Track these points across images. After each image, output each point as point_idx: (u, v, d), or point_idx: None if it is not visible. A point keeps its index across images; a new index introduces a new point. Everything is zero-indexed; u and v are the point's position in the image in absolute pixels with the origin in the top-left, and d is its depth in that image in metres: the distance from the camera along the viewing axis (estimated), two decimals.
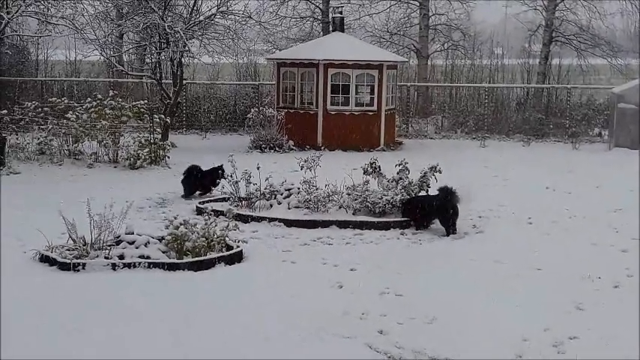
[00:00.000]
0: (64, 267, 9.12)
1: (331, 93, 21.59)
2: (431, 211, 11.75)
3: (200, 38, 21.40)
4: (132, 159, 17.59)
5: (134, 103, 19.20)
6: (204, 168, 14.23)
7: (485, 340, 7.14)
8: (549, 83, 29.30)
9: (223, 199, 13.04)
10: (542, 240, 11.35)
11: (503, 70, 31.59)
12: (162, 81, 22.00)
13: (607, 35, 31.22)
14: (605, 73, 32.13)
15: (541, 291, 8.75)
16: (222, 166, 13.80)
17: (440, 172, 12.55)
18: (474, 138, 24.83)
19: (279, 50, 27.89)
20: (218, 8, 20.99)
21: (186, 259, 9.44)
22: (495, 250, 10.56)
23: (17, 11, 17.74)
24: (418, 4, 30.61)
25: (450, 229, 11.52)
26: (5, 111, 19.14)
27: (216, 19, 21.31)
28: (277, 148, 20.85)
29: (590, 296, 8.52)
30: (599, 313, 7.96)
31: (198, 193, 14.06)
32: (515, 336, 7.23)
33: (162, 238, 9.80)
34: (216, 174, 14.00)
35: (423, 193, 12.47)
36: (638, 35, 31.25)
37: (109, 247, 9.47)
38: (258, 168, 12.81)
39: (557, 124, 25.19)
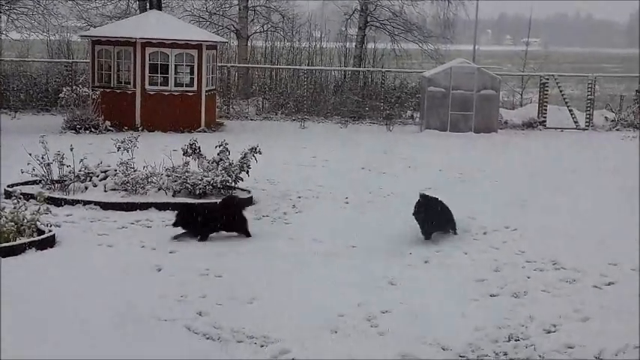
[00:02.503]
0: None
1: (150, 73, 21.15)
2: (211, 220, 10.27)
3: (7, 13, 20.23)
4: None
5: None
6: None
7: (303, 318, 7.28)
8: (365, 67, 30.21)
9: (34, 182, 12.44)
10: (358, 219, 11.72)
11: (322, 53, 32.18)
12: None
13: (418, 21, 32.60)
14: (417, 58, 33.55)
15: (356, 268, 9.04)
16: None
17: (260, 153, 12.65)
18: (294, 119, 25.21)
19: (94, 27, 26.88)
20: None
21: None
22: (313, 230, 10.79)
23: None
24: None
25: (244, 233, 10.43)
26: None
27: None
28: (93, 129, 20.16)
29: (403, 272, 8.90)
30: (410, 288, 8.32)
31: None
32: (331, 312, 7.42)
33: None
34: None
35: (244, 174, 12.51)
36: (446, 21, 32.78)
37: None
38: (71, 149, 12.30)
39: (373, 107, 26.04)
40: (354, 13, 31.92)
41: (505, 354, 6.62)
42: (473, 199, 13.29)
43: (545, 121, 25.11)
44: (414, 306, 7.72)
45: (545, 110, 25.29)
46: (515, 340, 6.90)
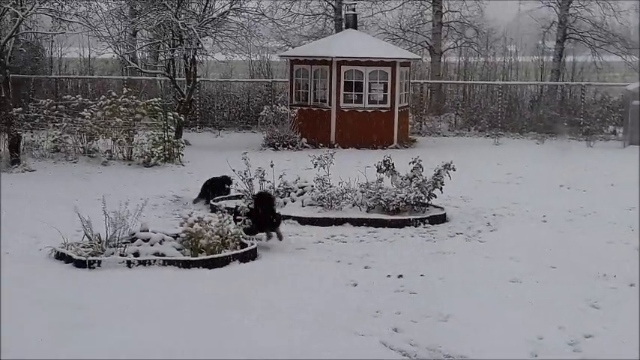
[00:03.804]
0: (80, 264, 9.16)
1: (344, 90, 21.58)
2: None
3: (213, 36, 21.43)
4: (146, 156, 17.65)
5: (148, 100, 19.24)
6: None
7: (500, 338, 7.12)
8: (563, 80, 29.18)
9: (237, 197, 13.04)
10: (556, 238, 11.31)
11: (517, 67, 31.48)
12: (176, 78, 22.04)
13: (621, 32, 31.08)
14: (620, 70, 32.00)
15: (556, 289, 8.72)
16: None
17: (454, 170, 12.53)
18: (488, 136, 24.78)
19: (292, 47, 27.90)
20: (231, 5, 21.02)
21: (200, 257, 9.45)
22: (510, 248, 10.54)
23: (32, 9, 17.74)
24: (431, 1, 30.56)
25: None
26: (20, 108, 19.17)
27: (229, 17, 21.34)
28: (290, 146, 20.85)
29: (606, 295, 8.49)
30: (615, 312, 7.92)
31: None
32: (530, 334, 7.20)
33: (177, 235, 9.84)
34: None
35: (437, 190, 12.46)
36: None
37: (124, 245, 9.51)
38: (271, 165, 12.80)
39: (572, 122, 25.08)
40: (551, 25, 30.95)
41: None
42: None
43: None
44: (620, 331, 7.33)
45: None
46: None
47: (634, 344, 6.99)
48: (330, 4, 30.45)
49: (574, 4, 30.35)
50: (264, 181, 12.69)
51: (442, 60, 31.03)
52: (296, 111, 21.67)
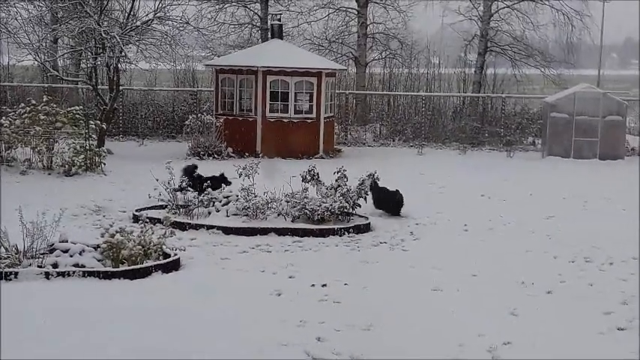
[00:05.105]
0: None
1: (270, 100, 21.59)
2: None
3: (137, 44, 21.13)
4: (67, 166, 17.27)
5: (69, 108, 18.83)
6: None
7: (422, 346, 7.21)
8: (485, 92, 29.81)
9: (160, 207, 12.90)
10: (477, 247, 11.52)
11: (440, 79, 32.00)
12: (98, 87, 21.66)
13: (540, 46, 31.93)
14: (539, 83, 32.85)
15: (476, 297, 8.89)
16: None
17: (378, 180, 12.66)
18: (412, 146, 25.12)
19: (218, 57, 27.73)
20: (155, 14, 20.76)
21: (122, 268, 9.30)
22: (432, 257, 10.69)
23: None
24: (356, 13, 30.85)
25: None
26: None
27: (153, 25, 21.07)
28: (216, 155, 20.73)
29: (524, 302, 8.68)
30: (533, 319, 8.11)
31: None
32: (450, 342, 7.31)
33: (98, 246, 9.64)
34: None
35: (361, 200, 12.56)
36: (569, 46, 31.98)
37: (42, 256, 9.27)
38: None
39: (492, 133, 25.65)
40: (473, 38, 31.63)
41: None
42: (598, 228, 12.82)
43: None
44: (537, 337, 7.50)
45: None
46: None
47: (550, 350, 7.16)
48: (255, 13, 30.42)
49: (495, 18, 31.09)
50: (188, 190, 12.59)
51: (367, 71, 31.33)
52: (221, 120, 21.56)
